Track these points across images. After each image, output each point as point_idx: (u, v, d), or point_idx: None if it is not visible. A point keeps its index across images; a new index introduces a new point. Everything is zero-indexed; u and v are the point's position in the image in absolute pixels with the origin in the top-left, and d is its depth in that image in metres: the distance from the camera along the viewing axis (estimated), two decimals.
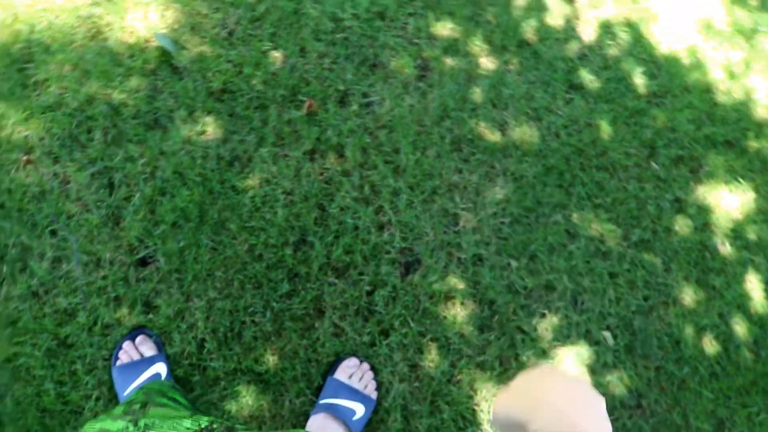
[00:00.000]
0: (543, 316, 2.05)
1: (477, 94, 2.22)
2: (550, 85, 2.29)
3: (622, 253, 2.16)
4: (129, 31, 2.07)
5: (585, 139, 2.23)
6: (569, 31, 2.39)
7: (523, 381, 0.69)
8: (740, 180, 2.33)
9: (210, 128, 2.01)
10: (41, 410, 1.73)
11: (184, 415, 0.85)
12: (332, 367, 1.88)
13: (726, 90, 2.45)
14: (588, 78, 2.33)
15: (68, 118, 1.94)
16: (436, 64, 2.23)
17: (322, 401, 1.81)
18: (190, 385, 1.79)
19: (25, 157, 1.89)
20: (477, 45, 2.29)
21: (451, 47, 2.27)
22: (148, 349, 1.77)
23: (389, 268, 1.99)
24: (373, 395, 1.86)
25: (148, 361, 1.74)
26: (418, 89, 2.20)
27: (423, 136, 2.13)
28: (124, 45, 2.05)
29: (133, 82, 2.02)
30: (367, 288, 1.97)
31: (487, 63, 2.28)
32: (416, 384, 1.92)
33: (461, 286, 2.01)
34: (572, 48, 2.37)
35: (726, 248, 2.25)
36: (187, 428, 0.78)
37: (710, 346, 2.14)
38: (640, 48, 2.44)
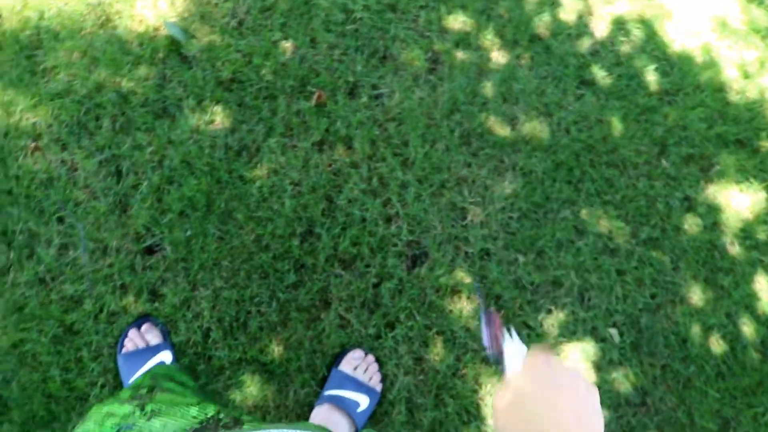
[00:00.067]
0: (549, 311, 2.04)
1: (487, 88, 2.21)
2: (562, 80, 2.28)
3: (631, 251, 2.14)
4: (138, 19, 2.06)
5: (595, 135, 2.22)
6: (582, 27, 2.38)
7: (522, 387, 0.68)
8: (751, 180, 2.31)
9: (218, 118, 2.01)
10: (47, 396, 1.74)
11: (191, 402, 0.85)
12: (337, 358, 1.88)
13: (739, 89, 2.43)
14: (600, 74, 2.31)
15: (77, 105, 1.94)
16: (447, 58, 2.22)
17: (326, 392, 1.81)
18: (195, 374, 1.79)
19: (33, 144, 1.89)
20: (488, 39, 2.27)
21: (463, 41, 2.26)
22: (153, 337, 1.78)
23: (396, 261, 1.99)
24: (378, 387, 1.86)
25: (154, 350, 1.75)
26: (429, 82, 2.19)
27: (432, 130, 2.12)
28: (133, 33, 2.05)
29: (142, 70, 2.01)
30: (374, 280, 1.96)
31: (499, 57, 2.27)
32: (421, 377, 1.92)
33: (468, 280, 2.00)
34: (584, 44, 2.35)
35: (735, 248, 2.23)
36: (194, 417, 0.78)
37: (717, 345, 2.13)
38: (653, 45, 2.42)
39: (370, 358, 1.88)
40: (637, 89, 2.33)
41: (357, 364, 1.85)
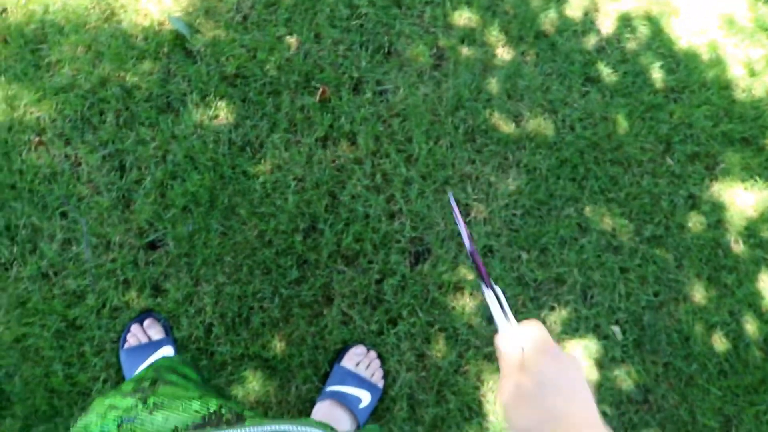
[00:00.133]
0: (552, 309, 2.04)
1: (492, 84, 2.20)
2: (567, 77, 2.27)
3: (634, 248, 2.14)
4: (143, 13, 2.06)
5: (600, 132, 2.21)
6: (588, 24, 2.37)
7: (522, 379, 0.69)
8: (756, 178, 2.30)
9: (222, 113, 2.01)
10: (49, 391, 1.74)
11: (194, 395, 0.85)
12: (339, 354, 1.88)
13: (745, 87, 2.42)
14: (605, 71, 2.30)
15: (80, 99, 1.94)
16: (452, 54, 2.22)
17: (328, 388, 1.81)
18: (197, 367, 1.79)
19: (36, 139, 1.89)
20: (494, 35, 2.27)
21: (468, 37, 2.25)
22: (155, 332, 1.78)
23: (399, 257, 1.99)
24: (380, 383, 1.87)
25: (156, 345, 1.75)
26: (433, 78, 2.18)
27: (436, 126, 2.12)
28: (137, 27, 2.04)
29: (147, 64, 2.01)
30: (377, 276, 1.96)
31: (504, 54, 2.26)
32: (423, 373, 1.92)
33: (471, 276, 2.00)
34: (590, 40, 2.34)
35: (739, 246, 2.23)
36: (196, 411, 0.78)
37: (720, 343, 2.12)
38: (659, 42, 2.41)
39: (372, 354, 1.89)
40: (643, 86, 2.32)
41: (359, 360, 1.85)
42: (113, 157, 1.92)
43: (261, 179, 1.97)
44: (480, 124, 2.15)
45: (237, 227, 1.92)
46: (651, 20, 2.43)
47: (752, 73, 2.45)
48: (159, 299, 1.84)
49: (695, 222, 2.21)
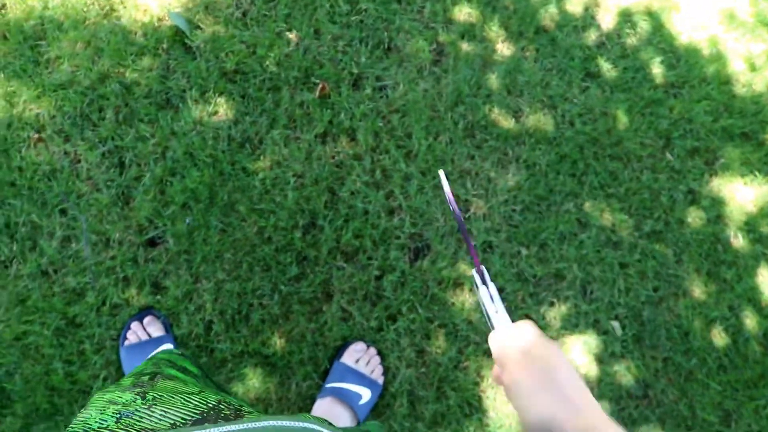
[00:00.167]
0: (552, 304, 2.05)
1: (492, 80, 2.20)
2: (567, 72, 2.27)
3: (634, 244, 2.14)
4: (142, 9, 2.05)
5: (600, 128, 2.21)
6: (588, 19, 2.36)
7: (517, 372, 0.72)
8: (756, 173, 2.30)
9: (222, 109, 2.01)
10: (50, 389, 1.75)
11: (193, 390, 0.85)
12: (339, 351, 1.88)
13: (746, 82, 2.41)
14: (605, 66, 2.30)
15: (80, 96, 1.93)
16: (452, 49, 2.21)
17: (328, 385, 1.82)
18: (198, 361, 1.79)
19: (36, 135, 1.89)
20: (493, 30, 2.26)
21: (468, 32, 2.24)
22: (155, 329, 1.78)
23: (398, 254, 1.99)
24: (380, 380, 1.87)
25: (156, 342, 1.75)
26: (433, 74, 2.18)
27: (436, 122, 2.12)
28: (137, 23, 2.04)
29: (146, 61, 2.01)
30: (376, 273, 1.97)
31: (503, 49, 2.26)
32: (423, 369, 1.93)
33: (470, 272, 2.00)
34: (590, 36, 2.34)
35: (739, 241, 2.23)
36: (195, 406, 0.78)
37: (719, 338, 2.13)
38: (659, 37, 2.40)
39: (372, 350, 1.89)
40: (643, 82, 2.32)
41: (359, 356, 1.86)
42: (113, 153, 1.92)
43: (260, 176, 1.97)
44: (480, 120, 2.14)
45: (236, 224, 1.92)
46: (651, 15, 2.42)
47: (753, 68, 2.45)
48: (159, 296, 1.84)
49: (695, 217, 2.21)
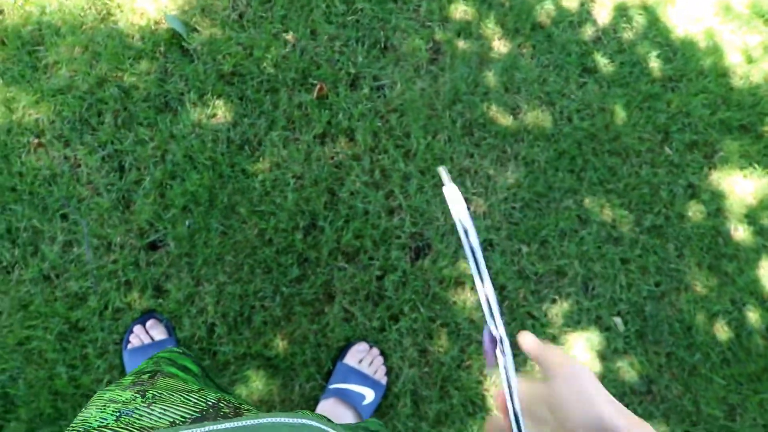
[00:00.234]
0: (553, 301, 2.05)
1: (489, 77, 2.20)
2: (564, 68, 2.27)
3: (634, 239, 2.14)
4: (139, 12, 2.06)
5: (598, 123, 2.21)
6: (584, 14, 2.36)
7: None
8: (755, 165, 2.30)
9: (220, 111, 2.01)
10: (53, 393, 1.75)
11: (192, 389, 0.85)
12: (342, 352, 1.88)
13: (743, 74, 2.41)
14: (602, 62, 2.30)
15: (79, 101, 1.94)
16: (449, 47, 2.21)
17: (331, 386, 1.82)
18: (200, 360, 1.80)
19: (35, 140, 1.89)
20: (490, 28, 2.26)
21: (464, 30, 2.24)
22: (158, 333, 1.79)
23: (399, 253, 1.99)
24: (383, 380, 1.87)
25: (159, 345, 1.75)
26: (430, 72, 2.18)
27: (434, 120, 2.12)
28: (134, 27, 2.04)
29: (144, 64, 2.01)
30: (377, 273, 1.97)
31: (500, 46, 2.26)
32: (426, 369, 1.93)
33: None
34: (586, 31, 2.34)
35: (739, 234, 2.23)
36: (194, 404, 0.78)
37: (722, 332, 2.13)
38: (655, 31, 2.40)
39: (375, 350, 1.89)
40: (640, 76, 2.32)
41: (362, 357, 1.86)
42: (112, 157, 1.92)
43: (260, 177, 1.97)
44: (478, 118, 2.14)
45: (237, 226, 1.92)
46: (647, 9, 2.42)
47: (750, 60, 2.45)
48: (161, 300, 1.85)
49: (695, 211, 2.21)
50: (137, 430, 0.70)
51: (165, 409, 0.75)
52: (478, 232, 2.04)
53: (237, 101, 2.03)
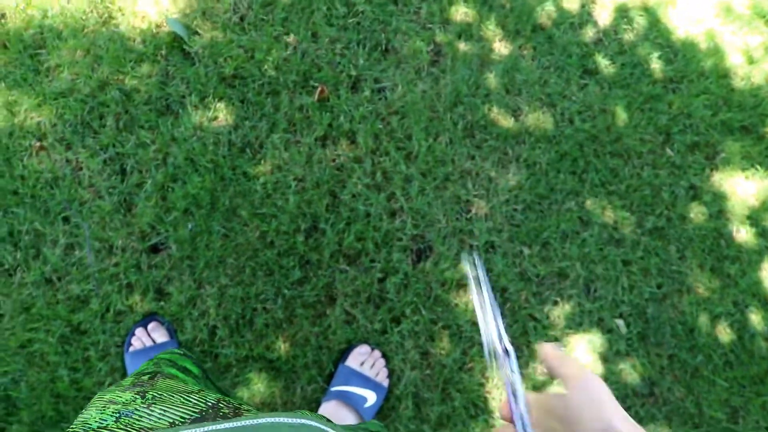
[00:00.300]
0: (555, 303, 2.05)
1: (490, 79, 2.20)
2: (565, 70, 2.27)
3: (636, 241, 2.14)
4: (141, 16, 2.06)
5: (599, 125, 2.21)
6: (584, 16, 2.36)
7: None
8: (757, 167, 2.30)
9: (221, 114, 2.01)
10: (55, 396, 1.75)
11: (192, 390, 0.85)
12: (344, 354, 1.88)
13: (744, 75, 2.41)
14: (603, 63, 2.30)
15: (80, 104, 1.94)
16: (449, 50, 2.21)
17: (333, 388, 1.81)
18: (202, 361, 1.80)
19: (37, 144, 1.89)
20: (490, 30, 2.26)
21: (465, 32, 2.24)
22: (160, 335, 1.79)
23: (401, 255, 1.99)
24: (385, 383, 1.87)
25: (160, 348, 1.76)
26: (431, 75, 2.18)
27: (435, 122, 2.12)
28: (135, 30, 2.04)
29: (145, 67, 2.01)
30: (379, 275, 1.97)
31: (501, 48, 2.26)
32: (428, 371, 1.93)
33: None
34: (587, 33, 2.34)
35: (741, 235, 2.23)
36: (194, 405, 0.78)
37: (724, 334, 2.12)
38: (656, 32, 2.40)
39: (377, 353, 1.89)
40: (641, 77, 2.32)
41: (363, 359, 1.86)
42: (114, 160, 1.92)
43: (261, 180, 1.97)
44: (479, 120, 2.14)
45: (238, 229, 1.92)
46: (648, 11, 2.42)
47: (751, 61, 2.45)
48: (162, 302, 1.85)
49: (697, 212, 2.21)
50: (137, 430, 0.70)
51: (164, 410, 0.75)
52: (480, 234, 2.04)
53: (238, 104, 2.03)
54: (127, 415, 0.74)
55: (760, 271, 2.20)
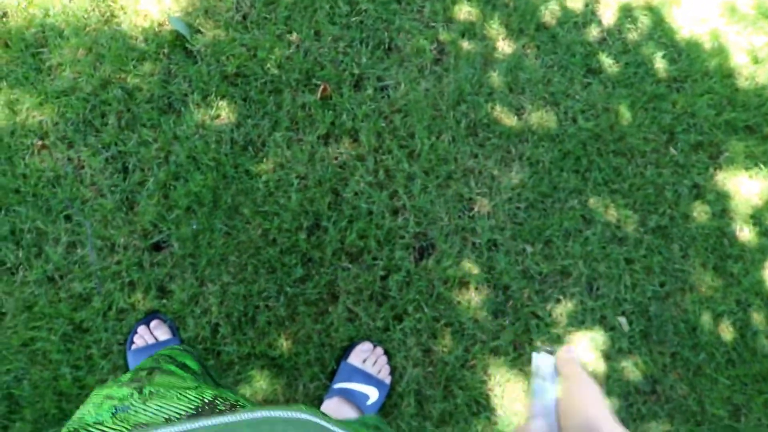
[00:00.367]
0: (558, 301, 2.04)
1: (493, 78, 2.20)
2: (568, 69, 2.26)
3: (639, 239, 2.14)
4: (143, 14, 2.06)
5: (602, 124, 2.21)
6: (588, 15, 2.36)
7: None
8: (761, 166, 2.29)
9: (224, 112, 2.01)
10: (58, 394, 1.75)
11: (190, 386, 0.85)
12: (346, 351, 1.88)
13: (748, 75, 2.40)
14: (607, 62, 2.29)
15: (82, 102, 1.94)
16: (453, 48, 2.21)
17: (335, 386, 1.82)
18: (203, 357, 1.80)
19: (39, 142, 1.90)
20: (494, 28, 2.26)
21: (468, 30, 2.24)
22: (162, 333, 1.79)
23: (403, 253, 1.99)
24: (387, 380, 1.87)
25: (163, 345, 1.76)
26: (434, 73, 2.18)
27: (438, 121, 2.12)
28: (137, 29, 2.04)
29: (147, 66, 2.01)
30: (381, 273, 1.97)
31: (504, 47, 2.26)
32: (430, 369, 1.93)
33: (475, 271, 2.00)
34: (591, 32, 2.34)
35: (744, 234, 2.22)
36: (190, 401, 0.78)
37: (727, 332, 2.12)
38: (660, 32, 2.40)
39: (379, 350, 1.89)
40: (645, 77, 2.31)
41: (366, 356, 1.86)
42: (116, 159, 1.93)
43: (264, 178, 1.97)
44: (482, 118, 2.14)
45: (241, 227, 1.92)
46: (652, 10, 2.42)
47: (755, 61, 2.44)
48: (165, 300, 1.85)
49: (700, 211, 2.21)
50: (132, 426, 0.70)
51: (161, 406, 0.75)
52: (482, 232, 2.04)
53: (240, 102, 2.03)
54: (123, 410, 0.74)
55: (763, 270, 2.20)
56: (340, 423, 0.81)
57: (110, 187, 1.89)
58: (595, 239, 2.10)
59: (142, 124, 1.96)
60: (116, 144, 1.93)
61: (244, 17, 2.12)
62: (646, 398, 2.02)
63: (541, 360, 0.80)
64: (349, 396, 1.78)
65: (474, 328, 1.96)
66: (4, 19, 1.99)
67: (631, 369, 2.03)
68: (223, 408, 0.79)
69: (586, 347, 2.02)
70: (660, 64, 2.35)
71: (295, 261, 1.92)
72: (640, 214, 2.16)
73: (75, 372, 1.76)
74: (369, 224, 1.98)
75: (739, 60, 2.43)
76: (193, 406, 0.76)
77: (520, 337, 1.99)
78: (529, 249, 2.06)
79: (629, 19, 2.39)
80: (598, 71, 2.28)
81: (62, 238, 1.84)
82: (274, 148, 2.00)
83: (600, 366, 2.01)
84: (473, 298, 1.99)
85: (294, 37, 2.12)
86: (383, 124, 2.08)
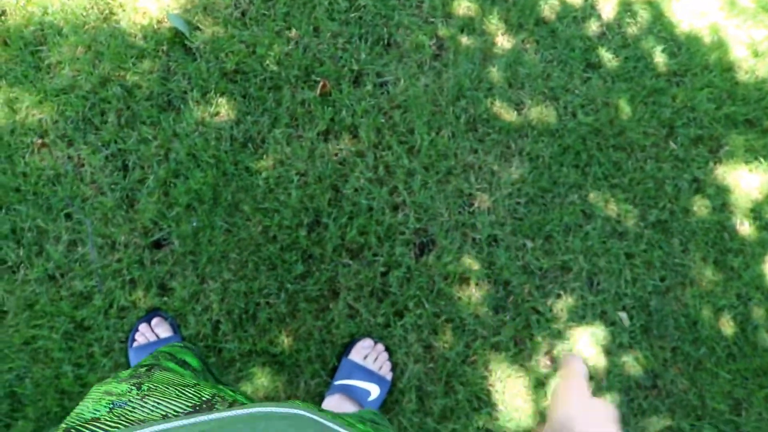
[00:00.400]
0: (558, 296, 2.04)
1: (493, 73, 2.20)
2: (568, 64, 2.26)
3: (639, 234, 2.14)
4: (142, 11, 2.06)
5: (602, 118, 2.21)
6: (588, 9, 2.35)
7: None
8: (761, 160, 2.29)
9: (223, 109, 2.01)
10: (60, 392, 1.75)
11: (188, 383, 0.86)
12: (347, 348, 1.89)
13: (748, 68, 2.40)
14: (606, 57, 2.29)
15: (82, 100, 1.94)
16: (452, 43, 2.21)
17: (337, 382, 1.82)
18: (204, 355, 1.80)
19: (39, 141, 1.89)
20: (493, 23, 2.26)
21: (467, 26, 2.24)
22: (163, 330, 1.79)
23: (404, 249, 1.99)
24: (388, 376, 1.87)
25: (164, 343, 1.76)
26: (433, 68, 2.17)
27: (438, 116, 2.12)
28: (136, 26, 2.04)
29: (146, 63, 2.01)
30: (382, 269, 1.97)
31: (504, 42, 2.25)
32: (431, 365, 1.93)
33: (476, 266, 2.00)
34: (591, 26, 2.33)
35: (745, 228, 2.22)
36: (188, 398, 0.78)
37: (727, 326, 2.12)
38: (660, 26, 2.39)
39: (380, 346, 1.89)
40: (645, 71, 2.31)
41: (367, 353, 1.86)
42: (116, 157, 1.93)
43: (264, 175, 1.97)
44: (482, 114, 2.14)
45: (241, 224, 1.92)
46: (651, 4, 2.41)
47: (755, 54, 2.44)
48: (166, 298, 1.85)
49: (700, 205, 2.21)
50: (129, 422, 0.70)
51: (158, 402, 0.75)
52: (483, 227, 2.04)
53: (240, 99, 2.03)
54: (120, 406, 0.74)
55: (764, 264, 2.20)
56: (336, 418, 0.81)
57: (110, 184, 1.89)
58: (595, 234, 2.10)
59: (142, 122, 1.96)
60: (116, 142, 1.93)
61: (243, 14, 2.12)
62: (647, 393, 2.02)
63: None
64: (350, 392, 1.79)
65: (475, 324, 1.96)
66: (3, 17, 1.99)
67: (632, 364, 2.03)
68: (221, 407, 0.79)
69: (586, 342, 2.02)
70: (660, 58, 2.34)
71: (295, 258, 1.92)
72: (640, 209, 2.16)
73: (77, 370, 1.77)
74: (369, 220, 1.98)
75: (738, 53, 2.43)
76: (190, 404, 0.77)
77: (521, 332, 1.99)
78: (529, 244, 2.06)
79: (629, 13, 2.39)
80: (598, 66, 2.28)
81: (63, 236, 1.84)
82: (273, 144, 2.00)
83: (601, 361, 2.02)
84: (474, 293, 1.99)
85: (293, 33, 2.12)
86: (383, 120, 2.08)
